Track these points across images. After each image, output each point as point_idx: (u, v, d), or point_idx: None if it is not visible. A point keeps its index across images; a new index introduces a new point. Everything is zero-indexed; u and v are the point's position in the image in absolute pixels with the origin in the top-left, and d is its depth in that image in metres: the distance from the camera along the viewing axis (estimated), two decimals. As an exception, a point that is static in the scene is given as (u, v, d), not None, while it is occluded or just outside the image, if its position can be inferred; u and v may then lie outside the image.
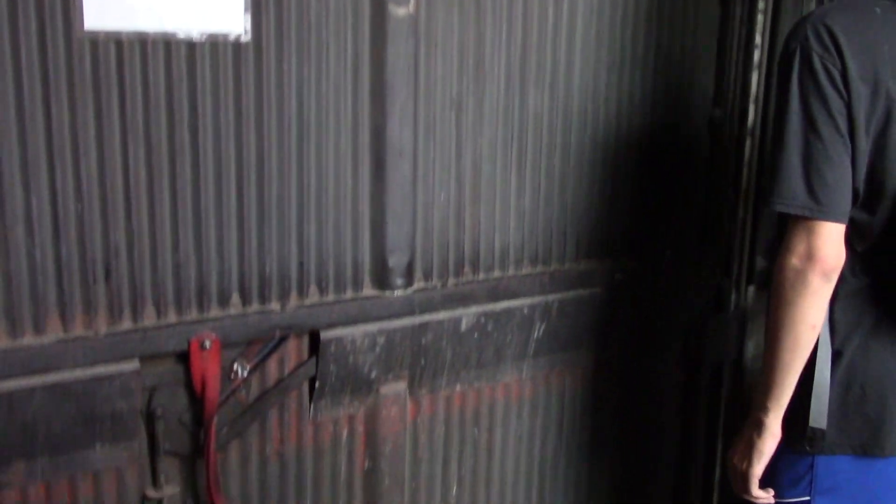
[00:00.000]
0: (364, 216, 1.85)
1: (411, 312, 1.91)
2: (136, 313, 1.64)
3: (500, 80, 1.95)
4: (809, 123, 1.38)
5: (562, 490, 2.28)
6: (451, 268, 1.98)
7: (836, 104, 1.36)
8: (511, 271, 2.06)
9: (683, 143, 2.28)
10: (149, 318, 1.66)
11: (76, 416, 1.60)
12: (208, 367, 1.69)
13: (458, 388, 2.06)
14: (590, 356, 2.24)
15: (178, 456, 1.75)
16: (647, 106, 2.19)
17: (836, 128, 1.37)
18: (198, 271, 1.69)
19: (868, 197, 1.43)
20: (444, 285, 1.97)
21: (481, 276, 2.02)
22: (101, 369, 1.60)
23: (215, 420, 1.72)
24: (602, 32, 2.06)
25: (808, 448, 1.53)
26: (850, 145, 1.38)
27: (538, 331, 2.11)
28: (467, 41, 1.89)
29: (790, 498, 1.60)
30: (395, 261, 1.89)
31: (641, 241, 2.25)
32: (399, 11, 1.78)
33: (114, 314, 1.62)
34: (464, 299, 1.98)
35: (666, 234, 2.29)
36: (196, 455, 1.76)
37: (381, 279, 1.88)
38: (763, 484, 1.60)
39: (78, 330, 1.60)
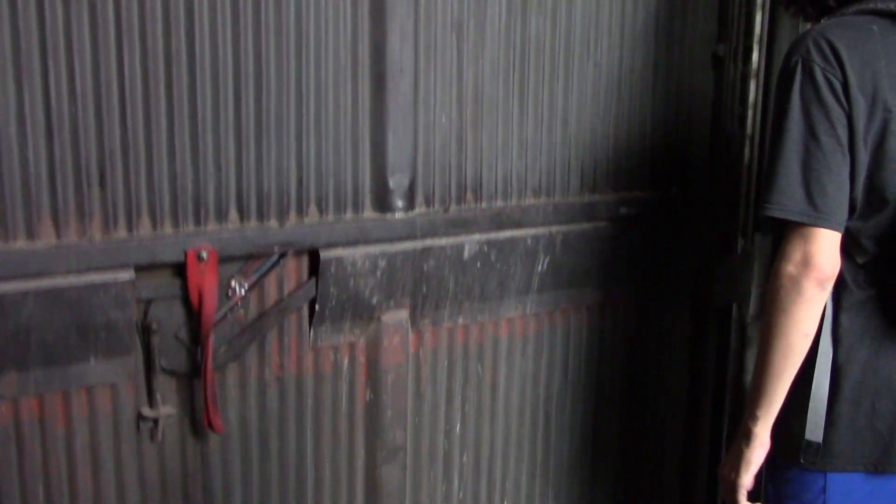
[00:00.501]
0: (364, 134, 1.82)
1: (413, 236, 1.88)
2: (131, 222, 1.61)
3: (501, 2, 1.92)
4: (810, 132, 1.39)
5: (567, 431, 2.23)
6: (453, 193, 1.94)
7: (837, 114, 1.38)
8: (514, 201, 2.03)
9: (687, 77, 2.25)
10: (144, 229, 1.62)
11: (69, 326, 1.57)
12: (205, 280, 1.66)
13: (460, 320, 2.02)
14: (595, 294, 2.20)
15: (175, 374, 1.71)
16: (649, 38, 2.16)
17: (837, 138, 1.38)
18: (195, 183, 1.66)
19: (866, 208, 1.44)
20: (445, 210, 1.94)
21: (483, 203, 1.99)
22: (95, 277, 1.57)
23: (212, 337, 1.68)
24: (606, -42, 2.04)
25: (802, 461, 1.52)
26: (848, 156, 1.40)
27: (542, 264, 2.07)
28: (469, -40, 1.87)
29: None
30: (396, 182, 1.85)
31: (647, 176, 2.22)
32: (396, -69, 1.77)
33: (108, 222, 1.59)
34: (466, 226, 1.95)
35: (672, 169, 2.26)
36: (193, 374, 1.72)
37: (382, 200, 1.85)
38: None
39: (72, 236, 1.56)
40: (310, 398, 1.86)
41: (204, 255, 1.64)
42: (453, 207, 1.95)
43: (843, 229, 1.42)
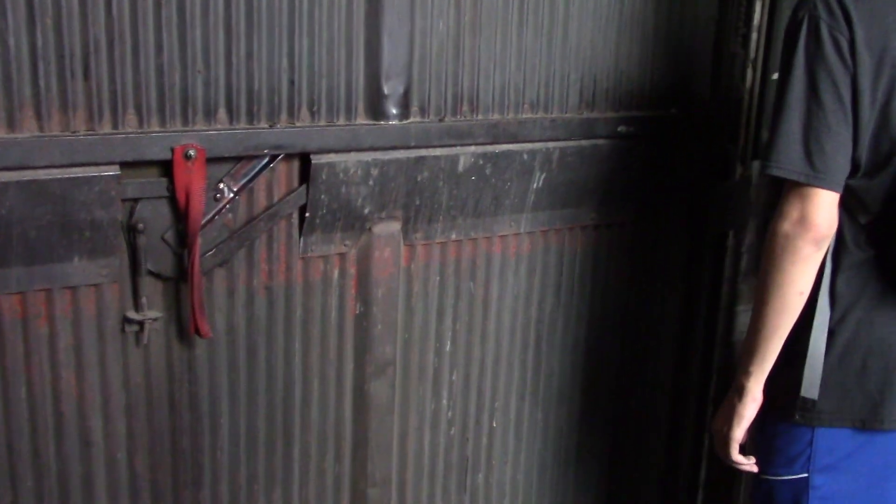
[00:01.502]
0: (359, 36, 1.76)
1: (407, 145, 1.83)
2: (116, 117, 1.55)
3: None
4: (812, 91, 1.38)
5: (558, 352, 2.22)
6: (449, 103, 1.89)
7: (841, 74, 1.37)
8: (511, 114, 1.98)
9: (692, -2, 2.19)
10: (130, 124, 1.57)
11: (52, 222, 1.52)
12: (193, 180, 1.61)
13: (453, 236, 1.98)
14: (590, 214, 2.16)
15: (161, 278, 1.67)
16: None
17: (839, 97, 1.37)
18: (182, 78, 1.60)
19: (871, 166, 1.42)
20: (441, 120, 1.88)
21: (479, 115, 1.94)
22: (78, 171, 1.52)
23: (200, 240, 1.64)
24: None
25: (797, 418, 1.52)
26: (851, 115, 1.38)
27: (538, 181, 2.03)
28: None
29: (787, 475, 1.57)
30: (391, 88, 1.80)
31: (647, 95, 2.17)
32: None
33: (93, 115, 1.53)
34: (461, 137, 1.90)
35: (673, 89, 2.21)
36: (180, 279, 1.68)
37: (376, 106, 1.80)
38: (761, 461, 1.60)
39: (54, 128, 1.51)
40: (298, 308, 1.83)
41: (192, 153, 1.59)
42: (449, 117, 1.90)
43: (841, 189, 1.41)
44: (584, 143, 2.07)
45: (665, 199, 2.26)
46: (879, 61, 1.37)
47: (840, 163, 1.40)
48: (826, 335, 1.50)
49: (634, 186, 2.19)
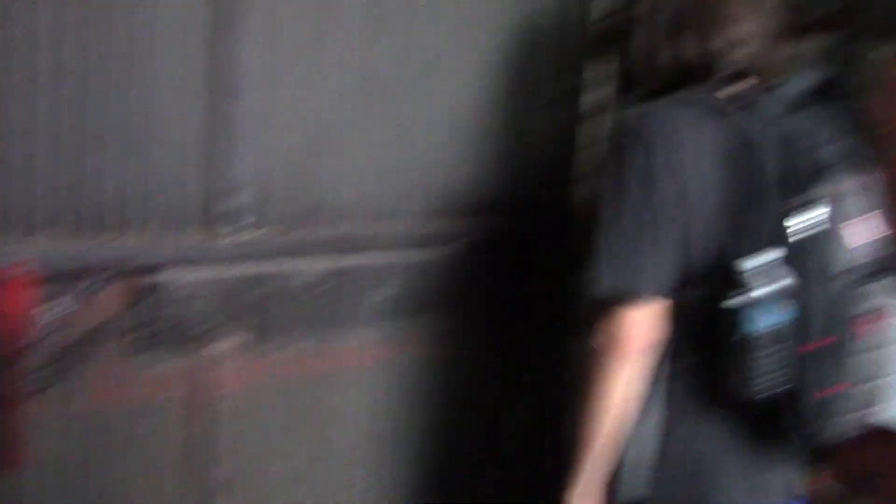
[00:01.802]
0: (203, 148, 1.70)
1: (251, 259, 1.78)
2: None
3: (357, 18, 1.86)
4: (626, 211, 1.42)
5: (412, 463, 2.17)
6: (297, 214, 1.86)
7: (649, 196, 1.41)
8: (361, 224, 1.96)
9: (543, 105, 2.25)
10: (-56, 240, 1.46)
11: None
12: (15, 298, 1.50)
13: (298, 349, 1.92)
14: (443, 322, 2.15)
15: (-24, 403, 1.54)
16: (503, 63, 2.15)
17: (649, 217, 1.41)
18: (6, 192, 1.50)
19: (693, 279, 1.45)
20: (287, 233, 1.84)
21: (329, 227, 1.91)
22: None
23: (22, 363, 1.52)
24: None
25: None
26: (674, 228, 1.42)
27: (387, 290, 2.01)
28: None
29: None
30: (236, 201, 1.75)
31: (499, 203, 2.19)
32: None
33: None
34: (308, 250, 1.87)
35: (525, 198, 2.24)
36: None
37: (219, 220, 1.74)
38: None
39: None
40: (134, 430, 1.72)
41: (17, 271, 1.49)
42: (296, 230, 1.86)
43: (661, 300, 1.44)
44: (435, 251, 2.07)
45: (517, 303, 2.28)
46: (702, 179, 1.42)
47: (656, 276, 1.43)
48: (653, 438, 1.50)
49: (487, 292, 2.20)
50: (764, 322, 1.33)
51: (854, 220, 1.38)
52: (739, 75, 1.49)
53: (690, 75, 1.51)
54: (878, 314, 1.39)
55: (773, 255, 1.34)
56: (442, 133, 2.06)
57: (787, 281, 1.33)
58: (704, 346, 1.47)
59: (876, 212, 1.42)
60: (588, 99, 2.31)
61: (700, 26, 1.49)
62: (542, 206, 2.28)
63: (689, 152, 1.43)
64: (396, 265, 2.00)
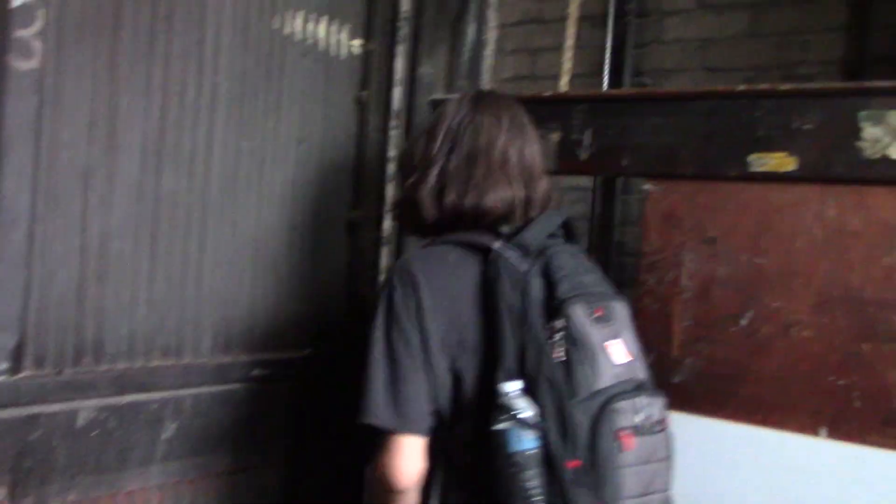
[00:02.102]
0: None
1: (16, 403, 1.66)
2: None
3: (134, 153, 1.85)
4: (391, 350, 1.54)
5: None
6: (70, 354, 1.77)
7: (413, 336, 1.53)
8: (139, 362, 1.89)
9: (324, 240, 2.31)
10: None
11: None
12: None
13: (71, 497, 1.79)
14: (228, 461, 2.09)
15: None
16: (287, 200, 2.19)
17: (412, 356, 1.52)
18: None
19: (452, 418, 1.56)
20: (59, 373, 1.75)
21: (105, 365, 1.83)
22: None
23: None
24: (244, 119, 2.06)
25: None
26: (423, 371, 1.53)
27: (169, 430, 1.94)
28: (100, 108, 1.78)
29: None
30: (1, 342, 1.65)
31: (282, 336, 2.20)
32: (22, 65, 1.64)
33: None
34: (82, 390, 1.77)
35: (307, 330, 2.26)
36: None
37: (-24, 362, 1.63)
38: None
39: None
40: None
41: None
42: (68, 370, 1.77)
43: (424, 435, 1.54)
44: (217, 388, 2.03)
45: (306, 437, 2.26)
46: (448, 324, 1.54)
47: (420, 412, 1.53)
48: None
49: (274, 427, 2.17)
50: (528, 443, 1.41)
51: (610, 342, 1.51)
52: (498, 220, 1.63)
53: (457, 221, 1.64)
54: (645, 428, 1.48)
55: (519, 383, 1.45)
56: (226, 266, 2.05)
57: (533, 406, 1.43)
58: (472, 483, 1.53)
59: (627, 335, 1.57)
60: (364, 235, 2.40)
61: (461, 185, 1.63)
62: (322, 338, 2.30)
63: (448, 294, 1.55)
64: (179, 402, 1.93)
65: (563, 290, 1.50)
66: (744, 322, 1.86)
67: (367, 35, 2.40)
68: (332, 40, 2.30)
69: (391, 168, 2.44)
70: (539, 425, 1.41)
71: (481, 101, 1.69)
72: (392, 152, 2.44)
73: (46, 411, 1.71)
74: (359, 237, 2.39)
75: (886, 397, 1.72)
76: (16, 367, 1.68)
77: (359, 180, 2.41)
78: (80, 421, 1.76)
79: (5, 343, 1.65)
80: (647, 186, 2.00)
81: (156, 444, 1.92)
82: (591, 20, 2.92)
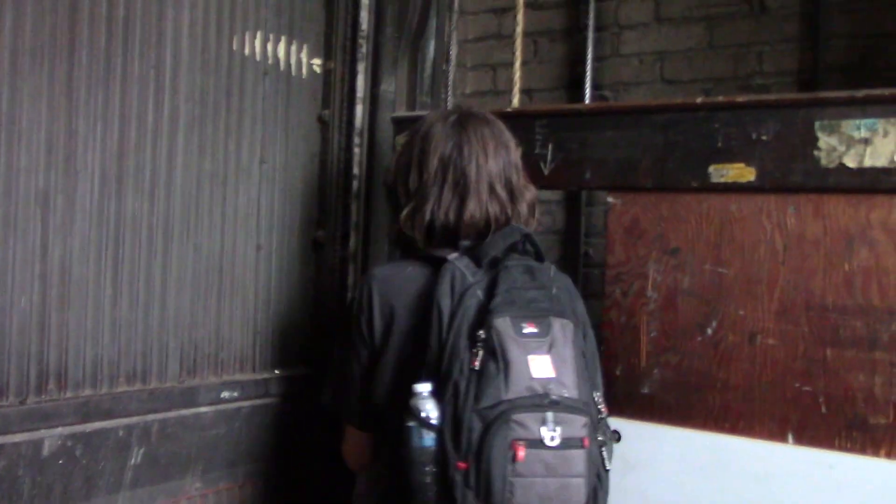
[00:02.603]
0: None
1: (-25, 435, 1.63)
2: None
3: (93, 178, 1.83)
4: (345, 353, 1.78)
5: None
6: (32, 383, 1.74)
7: (361, 345, 1.73)
8: (104, 388, 1.87)
9: (289, 261, 2.30)
10: None
11: None
12: None
13: (35, 529, 1.77)
14: (197, 485, 2.06)
15: None
16: (251, 221, 2.18)
17: (359, 361, 1.74)
18: None
19: (388, 406, 1.68)
20: (22, 402, 1.72)
21: (69, 392, 1.80)
22: None
23: None
24: (205, 141, 2.05)
25: None
26: (365, 374, 1.73)
27: (136, 456, 1.91)
28: (57, 133, 1.76)
29: None
30: (-42, 372, 1.62)
31: (249, 358, 2.18)
32: (-25, 92, 1.62)
33: None
34: (47, 419, 1.74)
35: (275, 351, 2.24)
36: None
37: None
38: None
39: None
40: None
41: None
42: (31, 398, 1.74)
43: (365, 428, 1.76)
44: (185, 412, 2.00)
45: (277, 458, 2.24)
46: (389, 329, 1.70)
47: (360, 409, 1.74)
48: None
49: (244, 450, 2.15)
50: (427, 441, 1.51)
51: (534, 356, 1.54)
52: (482, 234, 1.73)
53: (443, 238, 1.75)
54: (547, 443, 1.50)
55: (429, 385, 1.55)
56: (190, 289, 2.03)
57: (437, 408, 1.53)
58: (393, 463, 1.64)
59: (561, 352, 1.58)
60: (330, 253, 2.39)
61: (455, 211, 1.74)
62: (289, 358, 2.29)
63: (398, 303, 1.70)
64: (146, 427, 1.91)
65: (495, 302, 1.56)
66: (709, 331, 1.88)
67: (327, 54, 2.40)
68: (292, 60, 2.30)
69: (355, 186, 2.44)
70: (435, 426, 1.51)
71: (467, 123, 1.77)
72: (356, 170, 2.44)
73: (10, 441, 1.68)
74: (325, 256, 2.38)
75: (851, 402, 1.74)
76: (-25, 398, 1.65)
77: (323, 199, 2.40)
78: (46, 450, 1.73)
79: (-36, 374, 1.62)
80: (610, 199, 2.02)
81: (124, 470, 1.89)
82: (550, 35, 2.95)
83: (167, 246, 1.98)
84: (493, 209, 1.73)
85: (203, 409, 2.04)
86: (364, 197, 2.45)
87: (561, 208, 2.90)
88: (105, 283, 1.86)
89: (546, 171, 2.08)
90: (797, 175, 1.80)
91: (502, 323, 1.53)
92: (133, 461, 1.91)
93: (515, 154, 1.80)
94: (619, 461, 1.91)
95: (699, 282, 1.90)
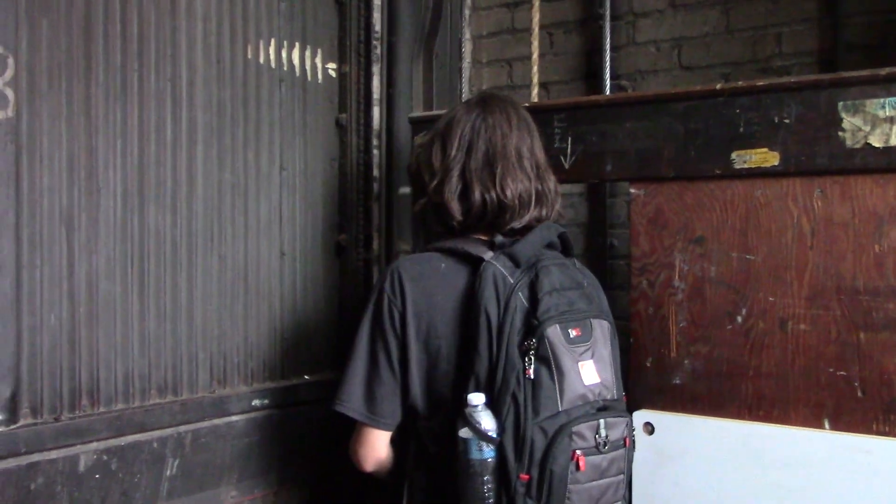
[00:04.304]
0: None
1: (16, 452, 1.65)
2: None
3: (116, 194, 1.84)
4: (371, 349, 1.66)
5: None
6: (65, 399, 1.76)
7: (392, 340, 1.63)
8: (136, 401, 1.88)
9: (313, 266, 2.30)
10: None
11: None
12: None
13: (75, 545, 1.78)
14: (233, 494, 2.07)
15: None
16: (274, 229, 2.19)
17: (390, 360, 1.64)
18: None
19: (427, 409, 1.64)
20: (56, 419, 1.73)
21: (101, 407, 1.82)
22: None
23: None
24: (224, 151, 2.06)
25: None
26: (399, 374, 1.64)
27: (171, 467, 1.92)
28: (77, 152, 1.77)
29: None
30: (-9, 394, 1.64)
31: (278, 366, 2.19)
32: (-5, 115, 1.64)
33: None
34: (81, 434, 1.76)
35: (302, 357, 2.25)
36: None
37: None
38: None
39: None
40: None
41: None
42: (66, 415, 1.75)
43: (390, 430, 1.68)
44: (217, 421, 2.02)
45: (309, 465, 2.25)
46: (427, 332, 1.61)
47: (391, 409, 1.65)
48: None
49: (277, 457, 2.15)
50: (486, 453, 1.49)
51: (583, 363, 1.56)
52: (516, 212, 1.68)
53: (480, 218, 1.69)
54: (602, 447, 1.54)
55: (483, 396, 1.52)
56: (216, 299, 2.04)
57: (493, 419, 1.50)
58: (442, 467, 1.60)
59: (602, 354, 1.60)
60: (353, 256, 2.39)
61: (484, 181, 1.67)
62: (317, 364, 2.30)
63: (433, 302, 1.62)
64: (180, 438, 1.92)
65: (542, 308, 1.55)
66: (739, 319, 1.86)
67: (342, 57, 2.40)
68: (307, 65, 2.30)
69: (376, 188, 2.44)
70: (496, 439, 1.49)
71: (489, 102, 1.75)
72: (375, 172, 2.43)
73: (46, 458, 1.70)
74: (348, 259, 2.38)
75: (887, 385, 1.72)
76: (12, 417, 1.66)
77: (344, 202, 2.40)
78: (82, 465, 1.75)
79: (1, 392, 1.64)
80: (632, 190, 2.00)
81: (160, 482, 1.91)
82: (565, 26, 2.93)
83: (192, 258, 1.99)
84: (524, 184, 1.67)
85: (235, 418, 2.05)
86: (385, 199, 2.45)
87: (583, 200, 2.88)
88: (132, 298, 1.87)
89: (567, 165, 2.06)
90: (822, 157, 1.77)
91: (553, 332, 1.53)
92: (168, 472, 1.92)
93: (536, 133, 1.76)
94: (653, 453, 1.89)
95: (727, 270, 1.88)
